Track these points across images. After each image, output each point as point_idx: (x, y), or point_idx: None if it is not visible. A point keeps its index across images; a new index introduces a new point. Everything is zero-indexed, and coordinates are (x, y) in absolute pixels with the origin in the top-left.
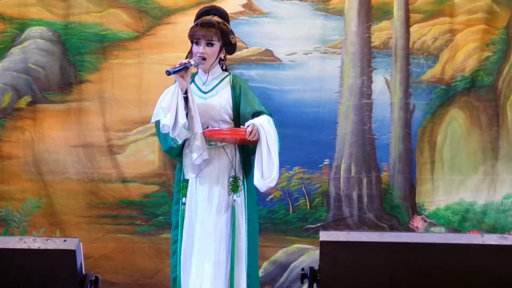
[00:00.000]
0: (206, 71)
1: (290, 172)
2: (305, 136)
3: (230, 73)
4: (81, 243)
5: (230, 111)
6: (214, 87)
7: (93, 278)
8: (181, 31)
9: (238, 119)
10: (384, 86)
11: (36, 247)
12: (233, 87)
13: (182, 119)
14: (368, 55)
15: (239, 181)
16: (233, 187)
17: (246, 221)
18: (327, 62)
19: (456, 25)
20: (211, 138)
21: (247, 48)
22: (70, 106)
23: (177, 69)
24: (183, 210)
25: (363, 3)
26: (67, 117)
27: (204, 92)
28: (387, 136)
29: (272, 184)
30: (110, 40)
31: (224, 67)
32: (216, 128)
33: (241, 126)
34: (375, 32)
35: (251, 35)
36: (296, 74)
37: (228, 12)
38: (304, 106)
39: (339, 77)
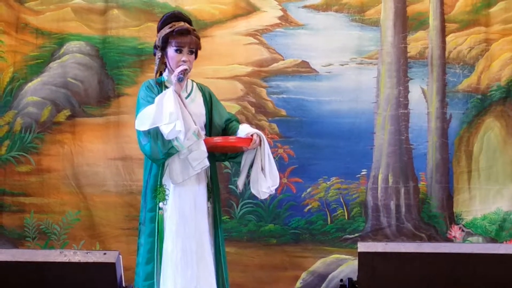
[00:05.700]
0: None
1: (328, 183)
2: (342, 146)
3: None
4: (120, 256)
5: (205, 119)
6: (189, 94)
7: None
8: (218, 44)
9: (209, 126)
10: (421, 96)
11: (77, 260)
12: (204, 95)
13: (193, 125)
14: (404, 65)
15: (209, 187)
16: (208, 195)
17: (219, 229)
18: (364, 72)
19: (491, 35)
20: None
21: (283, 60)
22: (108, 120)
23: (183, 74)
24: (161, 216)
25: (398, 13)
26: (106, 130)
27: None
28: (424, 146)
29: (273, 192)
30: (147, 54)
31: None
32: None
33: (237, 135)
34: (411, 42)
35: (287, 47)
36: (332, 85)
37: (264, 24)
38: (341, 116)
39: (375, 88)
